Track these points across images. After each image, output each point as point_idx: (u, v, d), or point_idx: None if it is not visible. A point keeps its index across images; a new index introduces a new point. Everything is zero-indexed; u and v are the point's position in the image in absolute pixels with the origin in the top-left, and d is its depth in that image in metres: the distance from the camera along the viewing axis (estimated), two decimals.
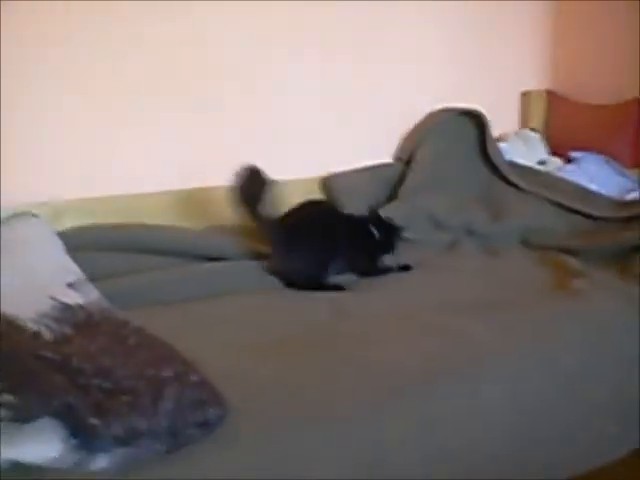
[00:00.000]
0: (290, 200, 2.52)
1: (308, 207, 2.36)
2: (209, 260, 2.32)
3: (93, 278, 1.90)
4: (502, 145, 3.11)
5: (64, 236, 2.21)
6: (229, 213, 2.62)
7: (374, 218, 2.41)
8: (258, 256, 2.34)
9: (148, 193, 2.56)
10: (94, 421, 1.25)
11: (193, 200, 2.64)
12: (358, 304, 2.09)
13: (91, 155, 2.48)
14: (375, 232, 2.36)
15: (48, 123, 2.39)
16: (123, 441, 1.26)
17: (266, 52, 2.75)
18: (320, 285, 2.24)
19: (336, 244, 2.29)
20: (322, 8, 2.81)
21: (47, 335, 1.52)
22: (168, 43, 2.56)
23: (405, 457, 1.55)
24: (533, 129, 3.38)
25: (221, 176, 2.64)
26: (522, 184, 2.85)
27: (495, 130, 3.09)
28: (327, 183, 2.86)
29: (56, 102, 2.39)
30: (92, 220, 2.40)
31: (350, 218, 2.39)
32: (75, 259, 2.00)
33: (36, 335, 1.52)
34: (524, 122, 3.45)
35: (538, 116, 3.44)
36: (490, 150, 2.95)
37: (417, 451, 1.57)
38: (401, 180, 2.87)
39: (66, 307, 1.63)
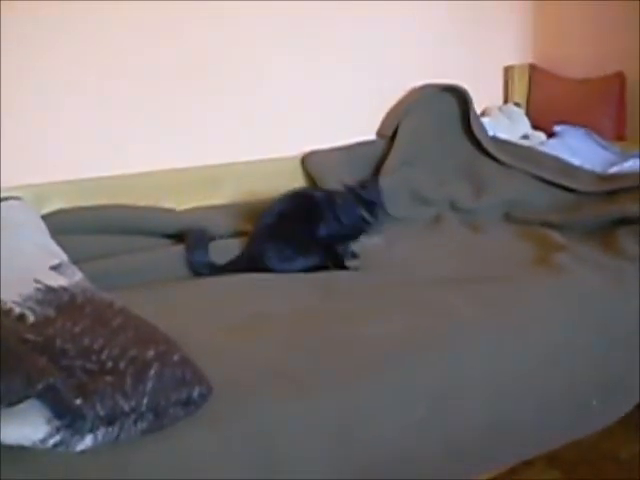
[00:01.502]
0: (276, 178, 2.54)
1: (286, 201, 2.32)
2: None
3: (77, 260, 1.90)
4: (485, 120, 3.12)
5: (48, 219, 2.21)
6: (215, 193, 2.65)
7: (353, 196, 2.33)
8: (242, 235, 2.35)
9: (133, 174, 2.55)
10: (78, 402, 1.26)
11: (178, 180, 2.63)
12: (341, 281, 2.11)
13: (75, 137, 2.47)
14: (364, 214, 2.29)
15: (31, 107, 2.38)
16: (107, 421, 1.28)
17: (250, 33, 2.75)
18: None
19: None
20: None
21: (31, 318, 1.52)
22: (156, 32, 2.57)
23: (387, 431, 1.57)
24: (516, 103, 3.39)
25: (206, 157, 2.66)
26: (505, 159, 2.86)
27: (478, 105, 3.10)
28: (307, 161, 2.84)
29: (40, 86, 2.38)
30: (76, 202, 2.39)
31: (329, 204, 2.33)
32: (59, 242, 2.00)
33: (20, 318, 1.53)
34: (507, 96, 3.46)
35: (521, 90, 3.45)
36: (473, 125, 2.95)
37: (399, 424, 1.59)
38: (384, 156, 2.87)
39: (50, 289, 1.63)
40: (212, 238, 2.32)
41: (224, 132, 2.74)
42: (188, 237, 2.27)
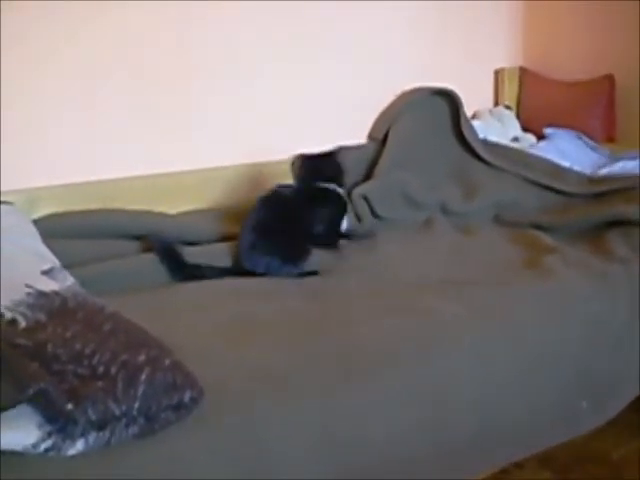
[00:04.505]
0: (266, 182, 2.54)
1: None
2: (184, 244, 2.32)
3: (69, 265, 1.91)
4: (476, 123, 3.13)
5: (39, 223, 2.21)
6: (207, 197, 2.65)
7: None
8: (232, 239, 2.35)
9: (124, 178, 2.55)
10: (69, 407, 1.26)
11: (170, 184, 2.63)
12: (330, 285, 2.12)
13: (66, 142, 2.47)
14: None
15: (22, 111, 2.37)
16: (98, 426, 1.28)
17: (237, 35, 2.76)
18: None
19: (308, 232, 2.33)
20: None
21: (22, 323, 1.53)
22: (148, 32, 2.58)
23: (372, 431, 1.58)
24: (507, 106, 3.40)
25: (197, 161, 2.67)
26: (495, 162, 2.87)
27: (469, 107, 3.11)
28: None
29: (29, 90, 2.38)
30: (68, 207, 2.39)
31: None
32: (50, 246, 2.00)
33: (12, 323, 1.53)
34: (497, 99, 3.47)
35: (511, 93, 3.47)
36: (464, 128, 2.96)
37: (383, 425, 1.60)
38: (375, 160, 2.87)
39: (41, 294, 1.64)
40: (198, 242, 2.35)
41: (216, 136, 2.74)
42: (154, 248, 2.25)
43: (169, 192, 2.61)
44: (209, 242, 2.37)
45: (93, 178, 2.50)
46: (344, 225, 2.45)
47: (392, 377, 1.64)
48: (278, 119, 2.85)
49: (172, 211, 2.56)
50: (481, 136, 3.01)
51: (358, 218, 2.58)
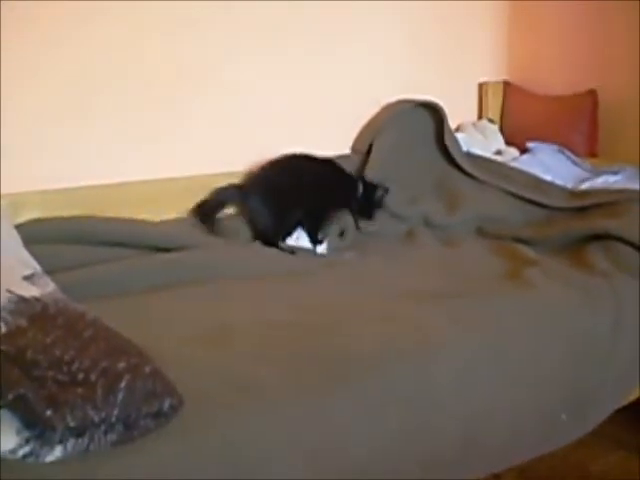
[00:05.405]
0: None
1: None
2: (166, 251, 2.33)
3: (50, 270, 1.89)
4: (459, 135, 3.14)
5: (21, 229, 2.19)
6: (191, 204, 2.64)
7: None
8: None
9: (109, 184, 2.54)
10: (48, 413, 1.26)
11: (154, 191, 2.63)
12: (312, 293, 2.12)
13: (50, 147, 2.46)
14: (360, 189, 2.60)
15: (7, 115, 2.37)
16: (77, 432, 1.28)
17: (228, 48, 2.76)
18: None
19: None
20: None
21: (3, 328, 1.52)
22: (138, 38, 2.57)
23: (354, 442, 1.58)
24: (490, 120, 3.42)
25: (181, 168, 2.66)
26: (478, 175, 2.89)
27: (453, 120, 3.13)
28: None
29: (16, 93, 2.37)
30: (51, 213, 2.38)
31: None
32: (32, 252, 1.99)
33: None
34: (481, 113, 3.49)
35: (495, 107, 3.48)
36: (447, 141, 2.97)
37: (365, 436, 1.60)
38: (359, 172, 2.88)
39: (21, 300, 1.62)
40: (181, 249, 2.35)
41: (199, 144, 2.74)
42: None
43: (153, 200, 2.60)
44: (195, 249, 2.37)
45: (78, 184, 2.49)
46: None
47: (373, 388, 1.64)
48: (263, 131, 2.84)
49: (155, 219, 2.55)
50: (464, 149, 3.03)
51: (340, 230, 2.59)
